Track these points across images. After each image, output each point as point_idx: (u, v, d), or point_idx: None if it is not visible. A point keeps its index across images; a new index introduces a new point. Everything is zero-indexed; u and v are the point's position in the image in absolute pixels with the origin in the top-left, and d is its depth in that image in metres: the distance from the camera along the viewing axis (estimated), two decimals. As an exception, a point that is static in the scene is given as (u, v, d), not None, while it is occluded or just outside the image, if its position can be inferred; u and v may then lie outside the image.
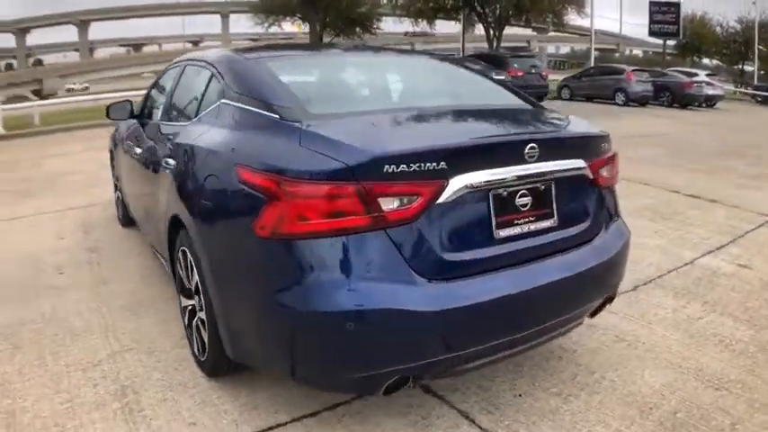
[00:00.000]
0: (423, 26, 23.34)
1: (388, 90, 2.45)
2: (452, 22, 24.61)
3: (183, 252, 2.18)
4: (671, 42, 33.42)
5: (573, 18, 23.86)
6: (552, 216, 1.87)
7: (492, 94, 2.49)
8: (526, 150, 1.72)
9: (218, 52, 2.59)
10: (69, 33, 66.98)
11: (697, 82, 18.18)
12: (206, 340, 2.09)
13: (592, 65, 22.86)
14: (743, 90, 27.89)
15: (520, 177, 1.74)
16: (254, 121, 1.90)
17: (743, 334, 2.62)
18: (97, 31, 67.85)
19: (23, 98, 26.42)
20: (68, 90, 45.00)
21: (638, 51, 65.15)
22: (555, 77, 22.82)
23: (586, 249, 1.96)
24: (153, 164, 2.71)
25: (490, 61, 14.75)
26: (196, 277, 2.05)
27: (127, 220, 4.12)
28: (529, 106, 2.39)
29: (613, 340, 2.58)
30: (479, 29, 24.36)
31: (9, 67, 62.49)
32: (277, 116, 1.83)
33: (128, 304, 2.92)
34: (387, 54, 2.99)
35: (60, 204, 5.16)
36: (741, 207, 4.91)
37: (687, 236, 4.09)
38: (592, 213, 2.02)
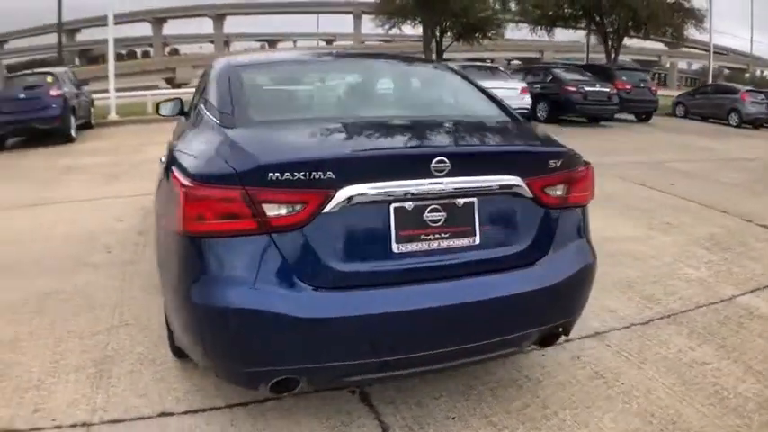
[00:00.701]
0: (540, 34, 22.58)
1: (346, 99, 2.48)
2: (570, 31, 23.51)
3: None
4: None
5: (694, 33, 21.69)
6: (472, 235, 1.78)
7: (465, 105, 2.42)
8: (433, 164, 1.66)
9: (220, 58, 2.80)
10: (205, 25, 69.24)
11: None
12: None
13: (709, 82, 20.79)
14: None
15: (428, 192, 1.69)
16: (204, 125, 2.07)
17: (747, 387, 2.26)
18: (232, 24, 69.64)
19: (155, 87, 27.98)
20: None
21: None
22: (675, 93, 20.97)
23: (519, 273, 1.84)
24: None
25: (597, 73, 13.99)
26: None
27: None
28: (499, 120, 2.28)
29: (590, 376, 2.37)
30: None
31: (146, 54, 66.51)
32: (217, 121, 1.98)
33: (145, 285, 3.27)
34: (377, 63, 3.00)
35: (135, 189, 5.71)
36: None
37: (738, 270, 3.57)
38: (532, 235, 1.88)
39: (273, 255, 1.61)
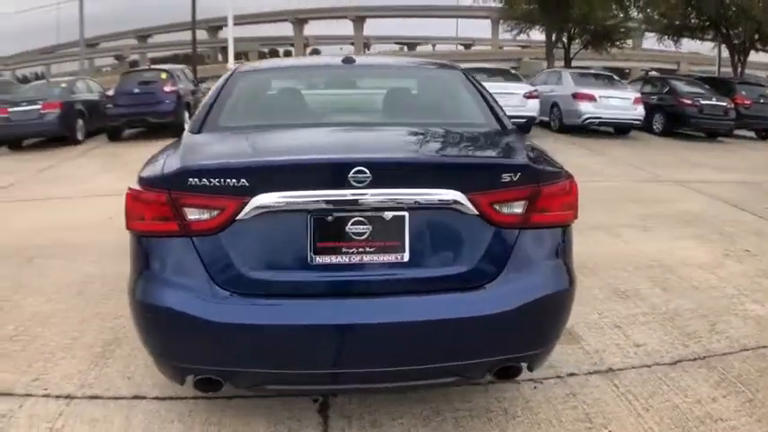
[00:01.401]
0: (667, 44, 20.87)
1: (319, 107, 2.47)
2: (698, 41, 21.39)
3: None
4: None
5: None
6: (401, 251, 1.66)
7: (451, 113, 2.30)
8: (351, 175, 1.58)
9: (240, 64, 2.95)
10: (345, 27, 70.03)
11: None
12: None
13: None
14: None
15: (349, 203, 1.62)
16: (187, 128, 2.19)
17: (763, 458, 1.83)
18: (372, 27, 70.70)
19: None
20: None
21: None
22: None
23: (459, 297, 1.68)
24: None
25: (717, 86, 12.69)
26: None
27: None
28: (481, 130, 2.13)
29: (576, 418, 2.10)
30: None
31: (288, 54, 69.18)
32: (188, 127, 2.09)
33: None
34: (381, 70, 2.91)
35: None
36: None
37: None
38: (478, 255, 1.70)
39: (193, 258, 1.65)
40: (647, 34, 22.67)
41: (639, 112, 10.98)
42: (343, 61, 2.62)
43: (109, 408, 2.16)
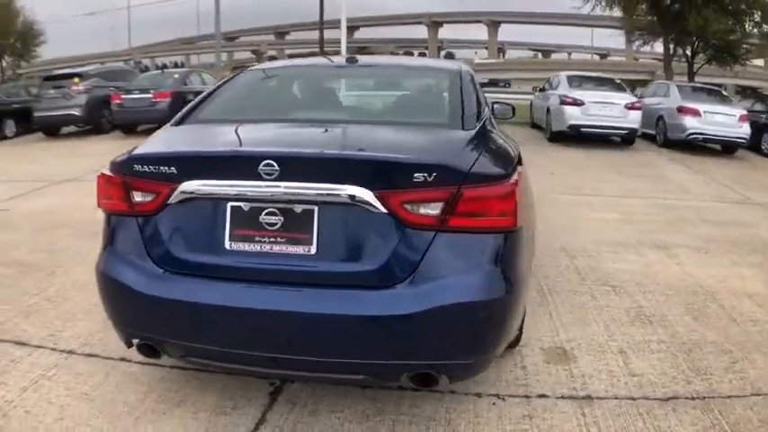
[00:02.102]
0: None
1: (294, 104, 2.53)
2: None
3: None
4: None
5: None
6: (309, 243, 1.69)
7: (417, 112, 2.28)
8: (261, 167, 1.65)
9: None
10: (480, 31, 68.92)
11: None
12: None
13: None
14: None
15: (262, 194, 1.68)
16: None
17: None
18: (507, 32, 69.40)
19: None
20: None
21: None
22: None
23: (364, 294, 1.67)
24: None
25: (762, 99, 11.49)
26: None
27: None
28: (434, 128, 2.09)
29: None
30: None
31: (422, 56, 69.75)
32: (173, 119, 2.29)
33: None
34: (378, 70, 2.88)
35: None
36: None
37: None
38: (386, 254, 1.67)
39: (137, 237, 1.84)
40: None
41: (745, 130, 9.79)
42: (346, 61, 2.70)
43: (97, 366, 2.44)
